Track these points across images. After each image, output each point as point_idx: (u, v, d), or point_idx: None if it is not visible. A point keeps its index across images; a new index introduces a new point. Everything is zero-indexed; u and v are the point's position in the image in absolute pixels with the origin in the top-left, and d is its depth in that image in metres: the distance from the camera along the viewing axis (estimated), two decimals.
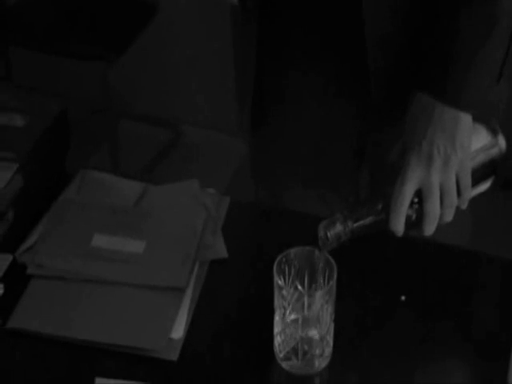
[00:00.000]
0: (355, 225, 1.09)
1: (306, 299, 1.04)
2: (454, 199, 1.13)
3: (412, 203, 1.11)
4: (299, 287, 1.09)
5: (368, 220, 1.10)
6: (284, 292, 1.04)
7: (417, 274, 1.21)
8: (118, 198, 1.31)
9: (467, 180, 1.13)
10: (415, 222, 1.12)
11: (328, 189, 1.38)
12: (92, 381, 1.07)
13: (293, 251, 1.07)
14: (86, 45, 2.43)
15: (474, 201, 1.19)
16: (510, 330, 1.13)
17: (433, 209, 1.11)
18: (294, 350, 1.07)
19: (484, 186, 1.18)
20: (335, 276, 1.04)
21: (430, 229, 1.12)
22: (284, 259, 1.06)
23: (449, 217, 1.13)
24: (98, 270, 1.19)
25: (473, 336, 1.13)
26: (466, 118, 1.12)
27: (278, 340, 1.08)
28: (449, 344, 1.12)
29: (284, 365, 1.09)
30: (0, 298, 1.17)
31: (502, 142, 1.17)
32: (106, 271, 1.19)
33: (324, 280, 1.07)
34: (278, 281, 1.04)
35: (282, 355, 1.08)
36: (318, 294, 1.04)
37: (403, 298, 1.17)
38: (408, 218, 1.11)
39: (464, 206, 1.15)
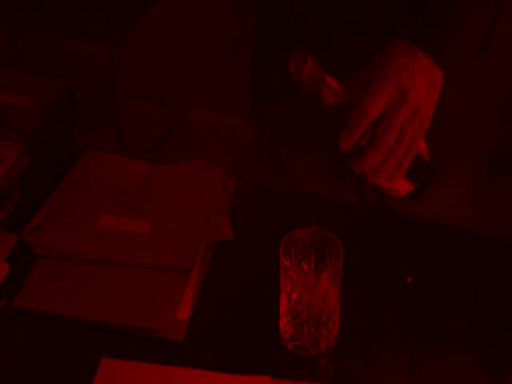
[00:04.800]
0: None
1: (312, 280, 1.04)
2: (403, 151, 1.03)
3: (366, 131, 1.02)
4: (305, 268, 1.09)
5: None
6: (290, 273, 1.04)
7: (423, 256, 1.21)
8: (124, 179, 1.31)
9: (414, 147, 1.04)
10: (360, 149, 1.02)
11: (333, 166, 1.37)
12: (97, 361, 1.07)
13: (299, 232, 1.07)
14: (91, 24, 2.42)
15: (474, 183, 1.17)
16: None
17: (385, 139, 1.01)
18: (300, 331, 1.07)
19: (405, 186, 1.10)
20: (341, 257, 1.04)
21: (370, 160, 1.02)
22: (290, 240, 1.06)
23: (388, 170, 1.04)
24: (103, 249, 1.19)
25: (480, 318, 1.13)
26: (439, 80, 1.06)
27: (283, 321, 1.08)
28: (455, 326, 1.12)
29: (289, 345, 1.09)
30: (6, 277, 1.17)
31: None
32: (112, 251, 1.19)
33: (330, 261, 1.07)
34: (284, 261, 1.04)
35: (287, 336, 1.08)
36: (324, 275, 1.04)
37: (410, 279, 1.17)
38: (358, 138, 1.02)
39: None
